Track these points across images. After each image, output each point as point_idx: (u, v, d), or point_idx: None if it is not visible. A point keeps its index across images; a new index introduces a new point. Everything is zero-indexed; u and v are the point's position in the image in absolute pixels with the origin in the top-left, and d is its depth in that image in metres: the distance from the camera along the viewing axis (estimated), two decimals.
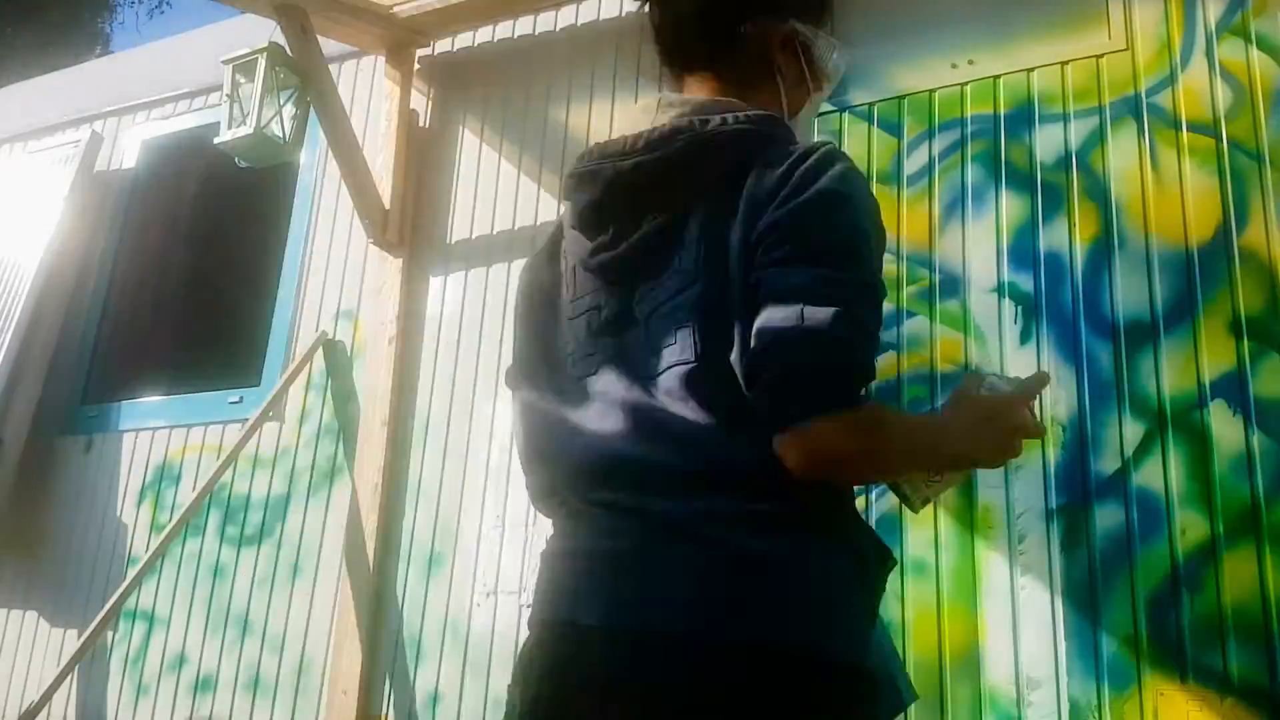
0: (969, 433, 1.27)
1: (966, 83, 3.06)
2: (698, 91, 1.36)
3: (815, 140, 1.29)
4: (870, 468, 1.26)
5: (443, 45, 4.10)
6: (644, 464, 1.19)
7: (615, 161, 1.30)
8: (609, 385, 1.24)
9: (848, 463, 1.16)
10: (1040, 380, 1.36)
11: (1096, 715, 2.46)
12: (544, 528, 3.35)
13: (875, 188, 3.07)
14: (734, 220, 1.19)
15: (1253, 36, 2.75)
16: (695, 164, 1.24)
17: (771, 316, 1.13)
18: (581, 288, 1.33)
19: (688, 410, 1.17)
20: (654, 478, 1.18)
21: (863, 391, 1.20)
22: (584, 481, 1.24)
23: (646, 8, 1.43)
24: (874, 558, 1.24)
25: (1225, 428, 2.51)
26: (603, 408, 1.24)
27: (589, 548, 1.21)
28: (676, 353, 1.19)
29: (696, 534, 1.14)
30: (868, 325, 1.21)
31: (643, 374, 1.22)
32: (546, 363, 1.37)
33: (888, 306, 2.93)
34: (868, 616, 1.23)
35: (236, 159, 3.75)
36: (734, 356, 1.16)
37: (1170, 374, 2.60)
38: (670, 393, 1.19)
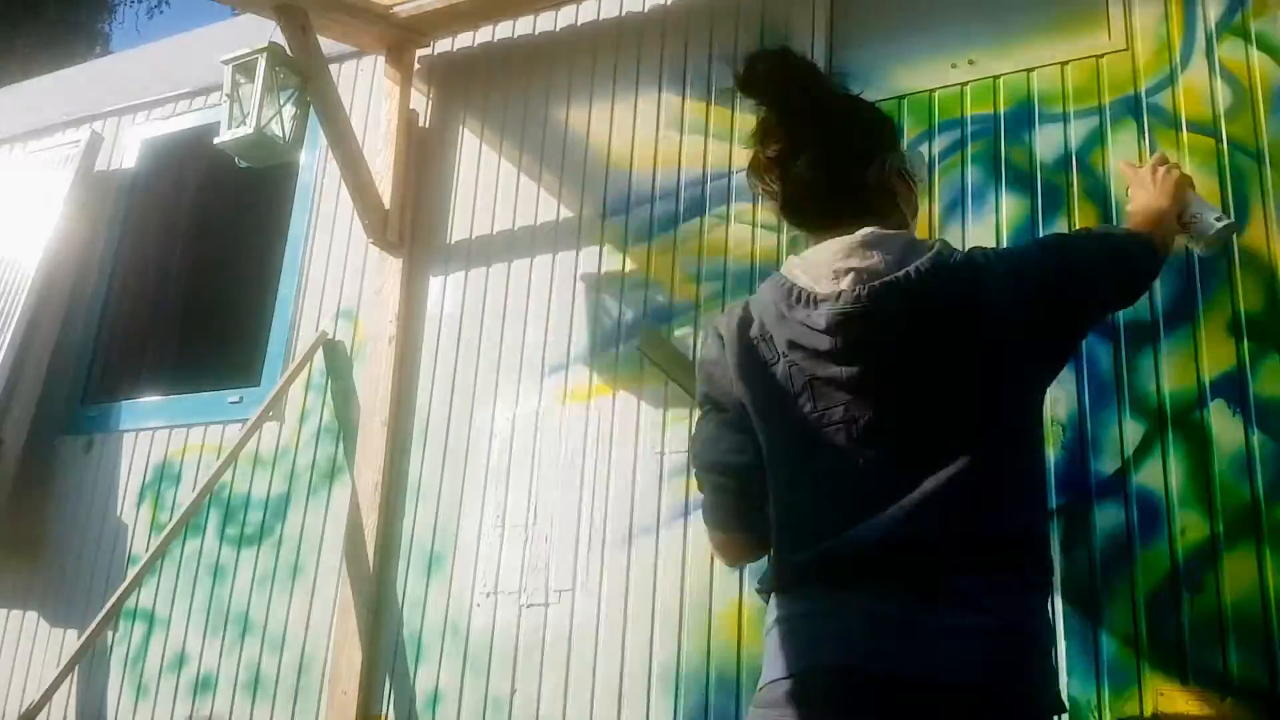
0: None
1: (966, 83, 3.06)
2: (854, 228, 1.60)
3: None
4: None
5: (443, 45, 4.10)
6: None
7: (879, 301, 1.53)
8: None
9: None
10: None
11: (1096, 715, 2.46)
12: (543, 528, 3.37)
13: None
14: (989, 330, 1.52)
15: (1253, 36, 2.75)
16: (941, 291, 1.54)
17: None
18: (826, 400, 1.56)
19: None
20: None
21: None
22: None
23: (772, 189, 1.67)
24: None
25: (1225, 428, 2.51)
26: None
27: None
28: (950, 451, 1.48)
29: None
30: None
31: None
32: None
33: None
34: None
35: (236, 159, 3.75)
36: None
37: (1170, 374, 2.60)
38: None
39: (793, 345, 1.57)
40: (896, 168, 1.65)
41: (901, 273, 1.51)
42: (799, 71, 1.69)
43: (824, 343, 1.53)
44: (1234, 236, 1.89)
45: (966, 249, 1.58)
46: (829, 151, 1.63)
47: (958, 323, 1.50)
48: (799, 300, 1.57)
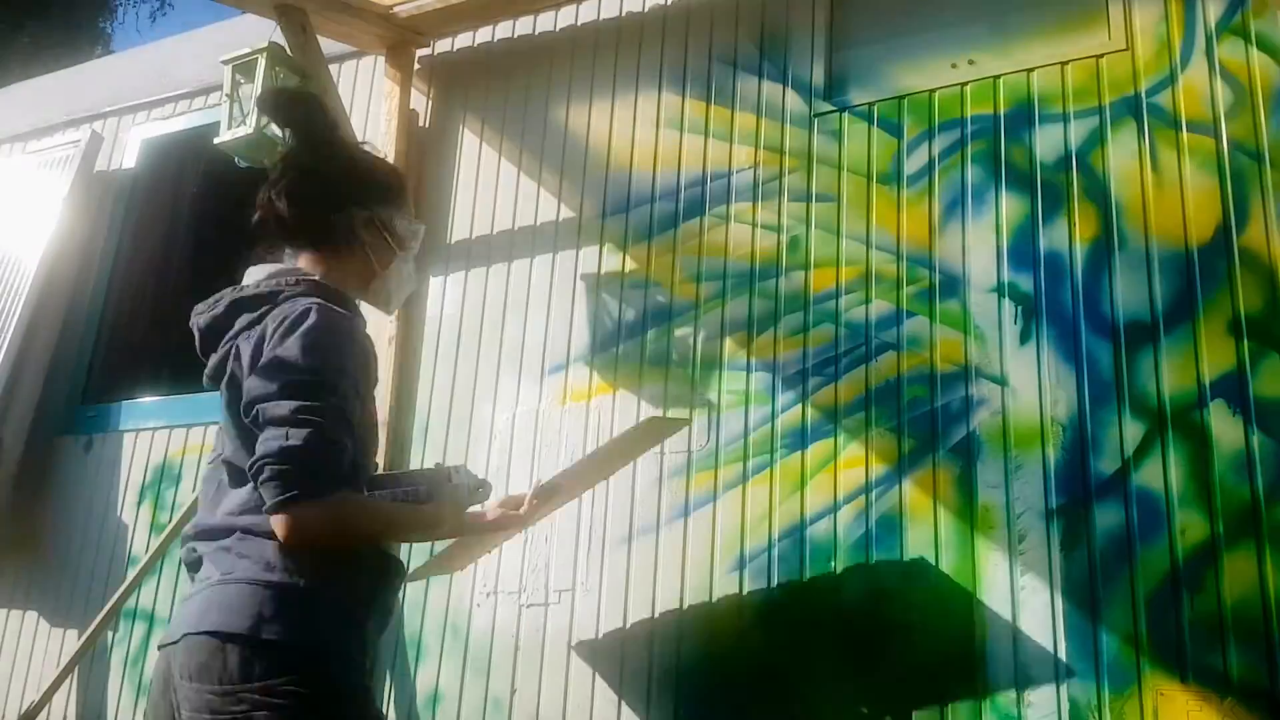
0: (431, 516, 1.90)
1: (966, 83, 3.06)
2: (300, 262, 1.89)
3: (304, 302, 1.75)
4: (334, 535, 1.73)
5: (443, 45, 4.10)
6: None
7: (209, 310, 1.88)
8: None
9: (320, 537, 1.69)
10: (486, 489, 2.02)
11: (1096, 715, 2.46)
12: (543, 528, 3.35)
13: (875, 188, 3.08)
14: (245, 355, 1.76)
15: (1252, 36, 2.75)
16: (238, 311, 1.82)
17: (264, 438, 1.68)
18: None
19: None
20: None
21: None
22: None
23: (258, 214, 1.89)
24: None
25: (1225, 428, 2.51)
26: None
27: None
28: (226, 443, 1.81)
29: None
30: (329, 436, 1.68)
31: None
32: None
33: (889, 306, 2.96)
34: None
35: (236, 159, 3.75)
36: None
37: (1170, 374, 2.60)
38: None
39: None
40: (369, 217, 1.90)
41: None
42: (318, 113, 1.92)
43: None
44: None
45: (300, 314, 1.74)
46: (322, 185, 1.88)
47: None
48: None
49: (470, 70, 4.02)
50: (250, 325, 1.77)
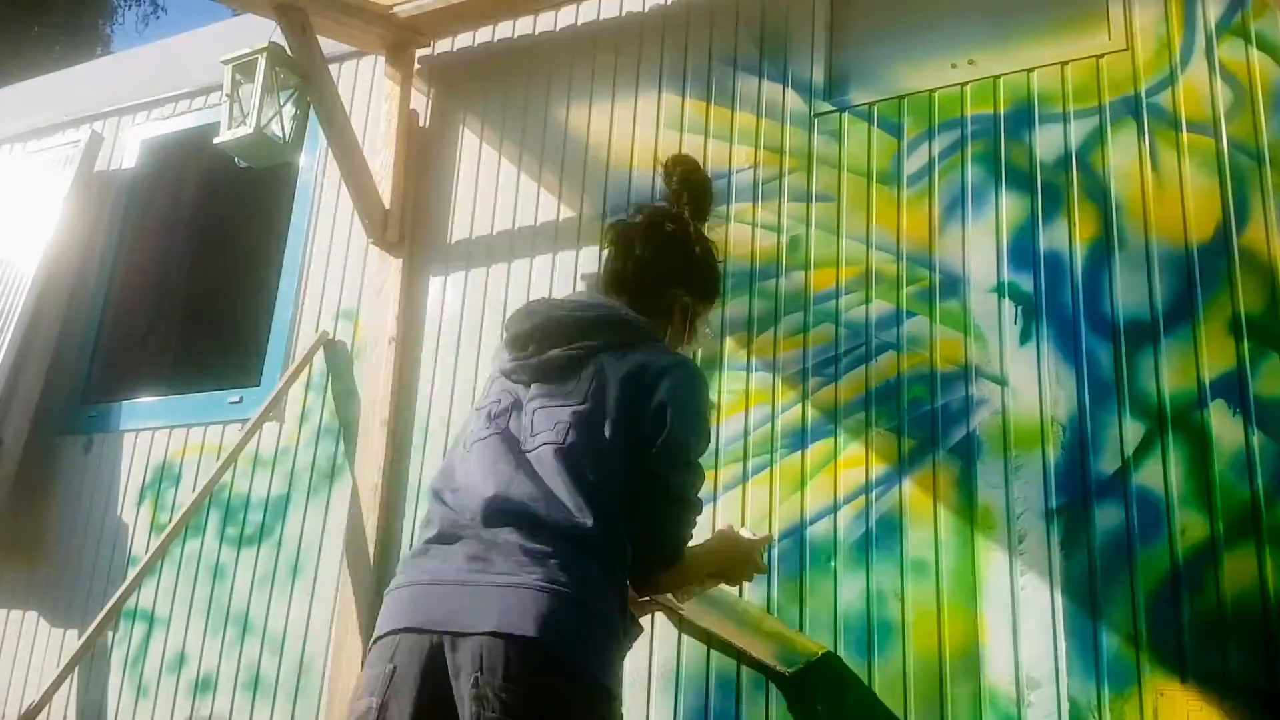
0: (723, 561, 1.95)
1: (966, 83, 3.06)
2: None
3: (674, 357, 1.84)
4: (668, 589, 1.93)
5: (443, 45, 4.10)
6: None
7: (550, 310, 1.88)
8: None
9: (656, 590, 1.89)
10: (767, 539, 2.13)
11: (1096, 715, 2.46)
12: None
13: (875, 188, 3.08)
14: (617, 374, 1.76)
15: (1252, 36, 2.75)
16: (608, 327, 1.84)
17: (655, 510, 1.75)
18: (492, 390, 1.88)
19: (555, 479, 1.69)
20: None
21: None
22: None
23: (609, 264, 1.97)
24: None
25: (1225, 428, 2.51)
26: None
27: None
28: (548, 436, 1.72)
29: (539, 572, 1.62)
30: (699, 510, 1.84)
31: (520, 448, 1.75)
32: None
33: (889, 306, 2.96)
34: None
35: (236, 159, 3.75)
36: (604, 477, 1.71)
37: (1170, 374, 2.60)
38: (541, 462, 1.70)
39: None
40: (685, 303, 1.95)
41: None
42: (708, 203, 2.03)
43: None
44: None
45: (689, 379, 1.81)
46: (674, 256, 1.95)
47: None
48: None
49: (470, 70, 4.02)
50: (618, 347, 1.79)
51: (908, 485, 2.80)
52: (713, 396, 3.12)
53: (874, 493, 2.82)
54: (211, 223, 5.19)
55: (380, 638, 1.71)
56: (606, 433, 1.70)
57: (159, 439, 4.20)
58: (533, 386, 1.79)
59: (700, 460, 1.81)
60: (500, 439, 1.75)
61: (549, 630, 1.54)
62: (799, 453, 2.96)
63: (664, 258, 1.93)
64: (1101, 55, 2.91)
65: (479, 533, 1.67)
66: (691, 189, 1.99)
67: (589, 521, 1.63)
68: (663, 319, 1.93)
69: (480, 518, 1.68)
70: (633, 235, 1.95)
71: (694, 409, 1.78)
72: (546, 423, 1.73)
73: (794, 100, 3.31)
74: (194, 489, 3.86)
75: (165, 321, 5.01)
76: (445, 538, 1.74)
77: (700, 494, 1.82)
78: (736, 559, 1.96)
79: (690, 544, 1.83)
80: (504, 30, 3.98)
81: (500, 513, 1.66)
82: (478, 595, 1.60)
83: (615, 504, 1.68)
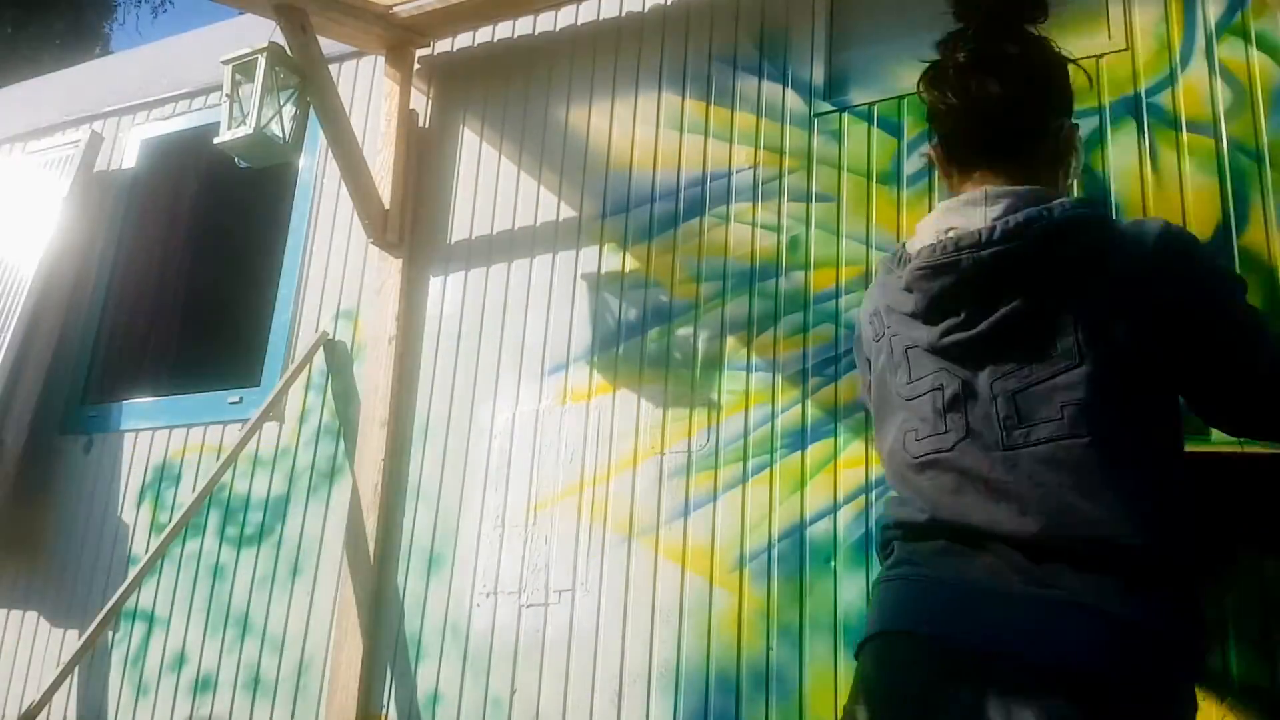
0: None
1: None
2: (998, 182, 1.51)
3: (1151, 219, 1.48)
4: None
5: (443, 45, 4.10)
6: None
7: (973, 253, 1.45)
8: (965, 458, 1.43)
9: None
10: None
11: None
12: (543, 528, 3.37)
13: (875, 188, 3.08)
14: (1110, 305, 1.39)
15: (1252, 36, 2.75)
16: (1052, 250, 1.41)
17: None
18: (919, 369, 1.50)
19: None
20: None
21: None
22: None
23: (949, 100, 1.57)
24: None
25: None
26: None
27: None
28: (1057, 429, 1.36)
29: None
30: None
31: (1001, 445, 1.39)
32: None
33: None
34: None
35: (236, 159, 3.74)
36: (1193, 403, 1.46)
37: None
38: (1052, 464, 1.36)
39: (889, 310, 1.55)
40: (1072, 128, 1.58)
41: (1002, 222, 1.43)
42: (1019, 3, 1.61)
43: (908, 304, 1.50)
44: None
45: (1186, 237, 1.48)
46: (1025, 80, 1.54)
47: (1051, 283, 1.41)
48: (897, 262, 1.54)
49: (470, 70, 4.03)
50: (1081, 267, 1.40)
51: None
52: (713, 395, 3.12)
53: (874, 493, 2.82)
54: (211, 223, 5.19)
55: None
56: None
57: (159, 439, 4.20)
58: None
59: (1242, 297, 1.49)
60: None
61: None
62: (799, 453, 2.96)
63: (1031, 91, 1.54)
64: (1101, 55, 2.91)
65: None
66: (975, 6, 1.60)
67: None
68: (1050, 162, 1.56)
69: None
70: (980, 79, 1.55)
71: (1192, 251, 1.46)
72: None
73: (794, 100, 3.31)
74: (194, 489, 3.86)
75: (165, 321, 5.01)
76: None
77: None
78: None
79: None
80: (504, 30, 3.99)
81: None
82: None
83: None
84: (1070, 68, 1.61)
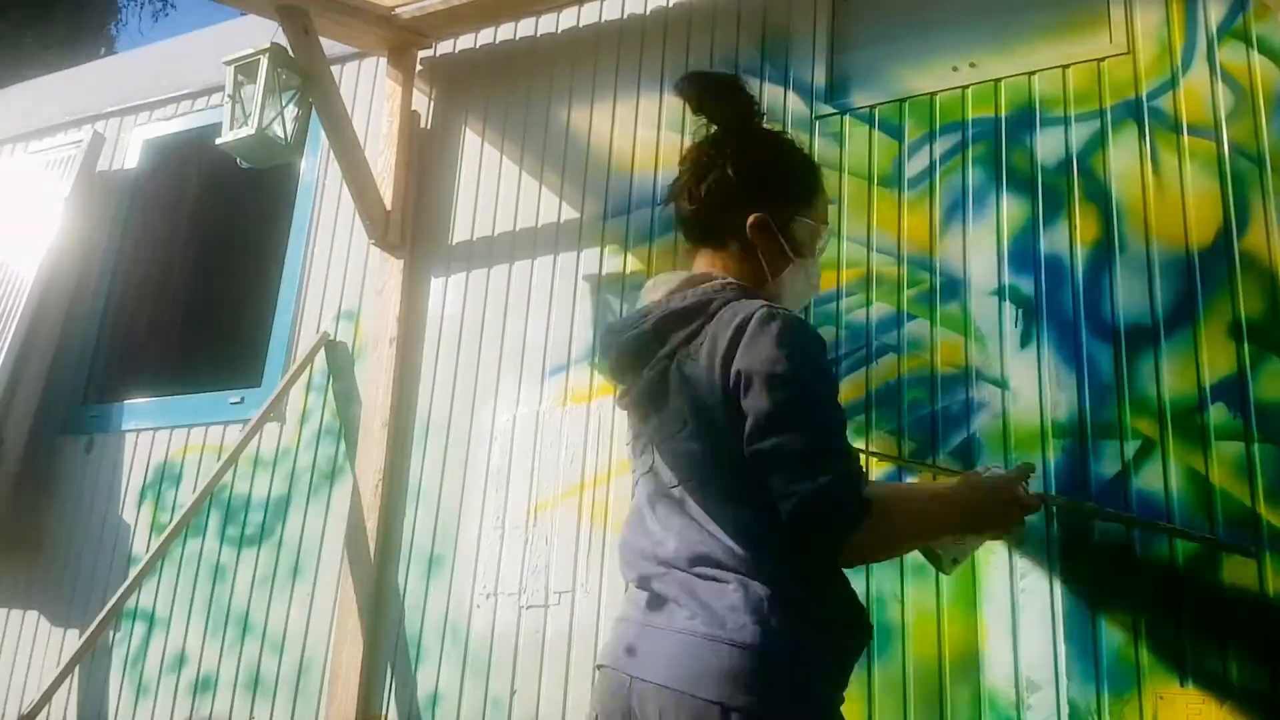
0: (975, 504, 1.65)
1: (968, 86, 3.06)
2: (700, 265, 1.75)
3: (754, 305, 1.58)
4: (888, 551, 1.76)
5: (444, 47, 4.11)
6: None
7: (632, 327, 1.70)
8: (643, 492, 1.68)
9: (872, 557, 1.63)
10: (1028, 468, 1.75)
11: (1096, 717, 2.46)
12: (543, 530, 3.36)
13: (876, 190, 3.08)
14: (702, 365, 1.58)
15: (1254, 40, 2.75)
16: (669, 327, 1.64)
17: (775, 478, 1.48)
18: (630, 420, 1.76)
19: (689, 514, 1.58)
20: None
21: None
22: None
23: (671, 206, 1.79)
24: None
25: (1225, 431, 2.51)
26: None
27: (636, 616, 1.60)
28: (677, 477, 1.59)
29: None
30: (850, 456, 1.53)
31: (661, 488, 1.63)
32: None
33: (889, 309, 2.95)
34: None
35: (238, 160, 3.75)
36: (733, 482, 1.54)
37: (1171, 377, 2.60)
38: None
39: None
40: (762, 219, 1.69)
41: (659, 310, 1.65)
42: (741, 103, 1.74)
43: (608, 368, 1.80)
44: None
45: (760, 318, 1.54)
46: (720, 184, 1.70)
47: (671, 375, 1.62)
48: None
49: (472, 71, 4.03)
50: (687, 340, 1.60)
51: None
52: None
53: None
54: (213, 223, 5.19)
55: None
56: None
57: (160, 439, 4.21)
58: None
59: (805, 398, 1.51)
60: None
61: None
62: None
63: (708, 193, 1.70)
64: (1103, 58, 2.91)
65: None
66: (710, 103, 1.74)
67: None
68: (744, 250, 1.70)
69: None
70: (679, 189, 1.74)
71: (759, 341, 1.53)
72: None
73: (795, 102, 3.31)
74: (194, 489, 3.87)
75: (166, 322, 5.01)
76: None
77: (837, 441, 1.51)
78: (992, 502, 1.64)
79: (892, 496, 1.64)
80: (505, 31, 3.99)
81: None
82: None
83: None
84: (777, 151, 1.76)
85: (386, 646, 3.42)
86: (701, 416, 1.55)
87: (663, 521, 1.59)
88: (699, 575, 1.50)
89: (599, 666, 1.61)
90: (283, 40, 3.65)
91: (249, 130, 3.58)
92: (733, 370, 1.52)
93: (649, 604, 1.55)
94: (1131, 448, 2.59)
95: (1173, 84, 2.81)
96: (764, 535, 1.49)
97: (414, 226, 3.90)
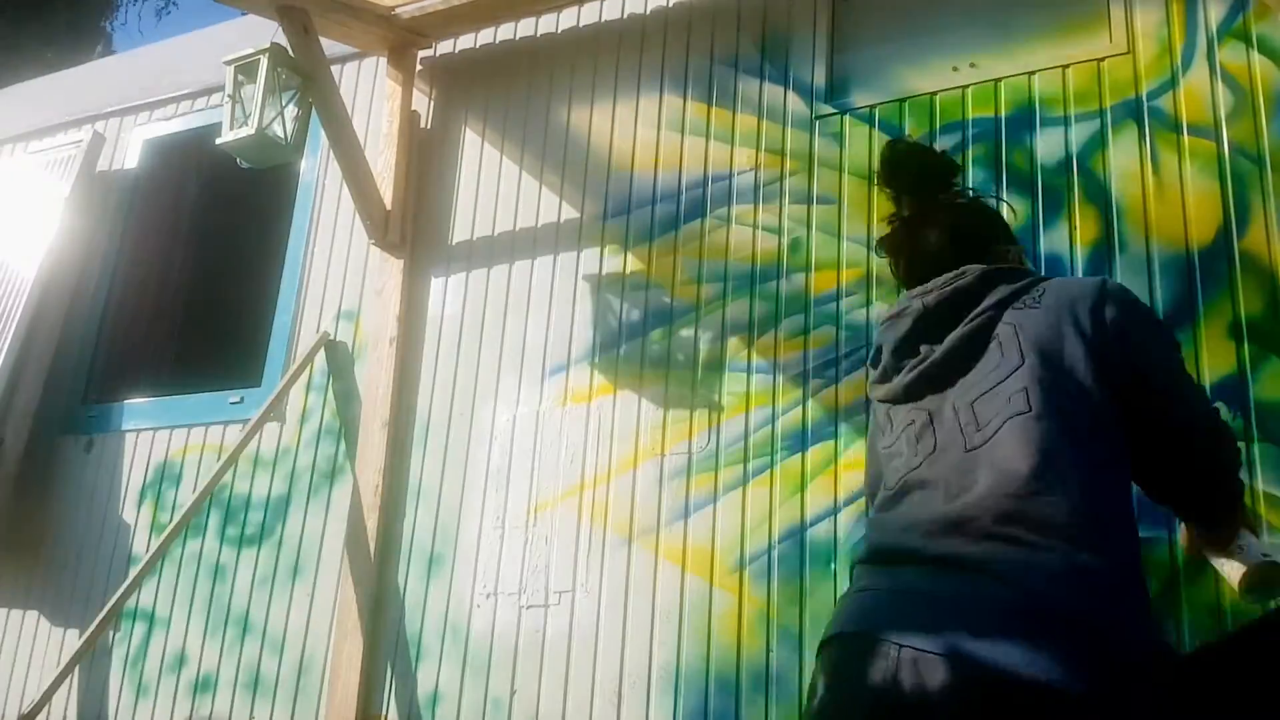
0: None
1: (968, 85, 3.06)
2: None
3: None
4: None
5: (444, 47, 4.11)
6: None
7: (947, 284, 1.91)
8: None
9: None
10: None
11: None
12: (543, 530, 3.36)
13: (876, 190, 3.08)
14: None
15: (1254, 40, 2.75)
16: (992, 283, 1.86)
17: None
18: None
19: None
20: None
21: None
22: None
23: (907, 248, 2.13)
24: None
25: None
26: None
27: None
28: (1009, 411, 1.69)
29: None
30: None
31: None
32: None
33: (889, 309, 2.95)
34: None
35: (238, 160, 3.75)
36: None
37: None
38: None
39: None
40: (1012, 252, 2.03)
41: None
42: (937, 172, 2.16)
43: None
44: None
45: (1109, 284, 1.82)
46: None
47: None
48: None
49: (472, 72, 4.03)
50: (1020, 292, 1.81)
51: None
52: (714, 397, 3.13)
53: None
54: (213, 223, 5.19)
55: None
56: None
57: (160, 439, 4.21)
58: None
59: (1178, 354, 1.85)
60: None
61: None
62: (800, 454, 2.96)
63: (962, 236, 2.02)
64: (1103, 58, 2.91)
65: None
66: (899, 181, 2.17)
67: None
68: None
69: None
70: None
71: (1123, 299, 1.82)
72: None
73: (795, 102, 3.32)
74: (194, 489, 3.87)
75: (166, 321, 5.01)
76: None
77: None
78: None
79: None
80: (506, 32, 3.99)
81: None
82: None
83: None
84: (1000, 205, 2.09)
85: (386, 646, 3.42)
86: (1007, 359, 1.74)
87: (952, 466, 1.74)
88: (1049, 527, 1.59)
89: None
90: (283, 40, 3.65)
91: (249, 130, 3.58)
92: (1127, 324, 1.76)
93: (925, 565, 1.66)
94: None
95: (1173, 84, 2.81)
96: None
97: (414, 226, 3.90)
